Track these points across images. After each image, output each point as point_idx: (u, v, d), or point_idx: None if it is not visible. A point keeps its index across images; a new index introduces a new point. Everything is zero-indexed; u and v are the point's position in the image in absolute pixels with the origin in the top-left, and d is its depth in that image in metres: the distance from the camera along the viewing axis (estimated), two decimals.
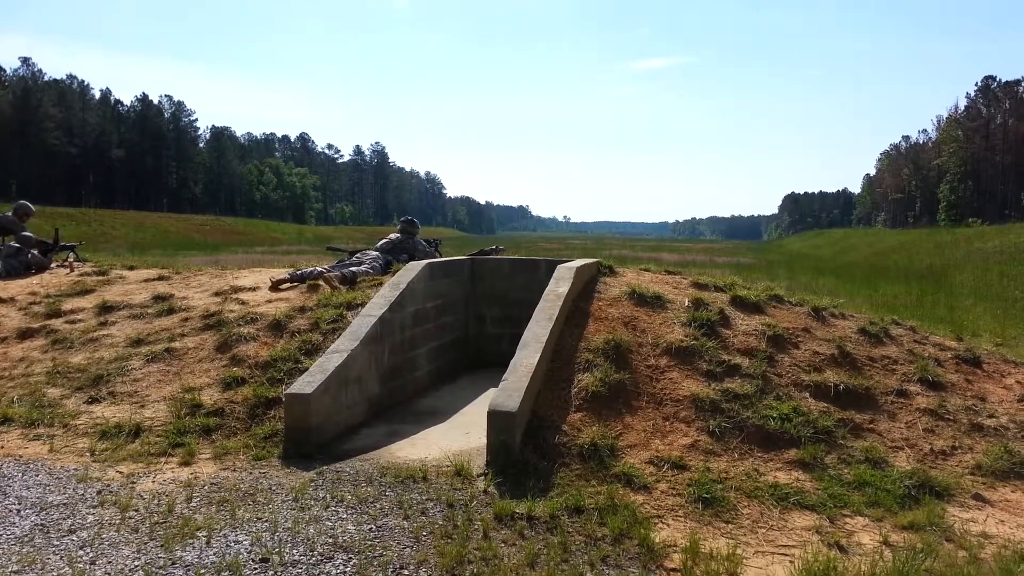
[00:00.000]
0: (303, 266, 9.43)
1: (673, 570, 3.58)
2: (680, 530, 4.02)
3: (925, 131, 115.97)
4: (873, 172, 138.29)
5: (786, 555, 3.79)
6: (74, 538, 3.80)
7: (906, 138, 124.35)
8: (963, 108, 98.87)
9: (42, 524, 3.96)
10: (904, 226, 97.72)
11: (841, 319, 7.29)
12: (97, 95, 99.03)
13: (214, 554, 3.61)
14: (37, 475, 4.70)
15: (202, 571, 3.45)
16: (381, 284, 7.51)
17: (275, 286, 8.13)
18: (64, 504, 4.23)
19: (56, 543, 3.74)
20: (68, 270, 10.22)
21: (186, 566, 3.49)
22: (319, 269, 8.46)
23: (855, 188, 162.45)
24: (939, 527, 4.12)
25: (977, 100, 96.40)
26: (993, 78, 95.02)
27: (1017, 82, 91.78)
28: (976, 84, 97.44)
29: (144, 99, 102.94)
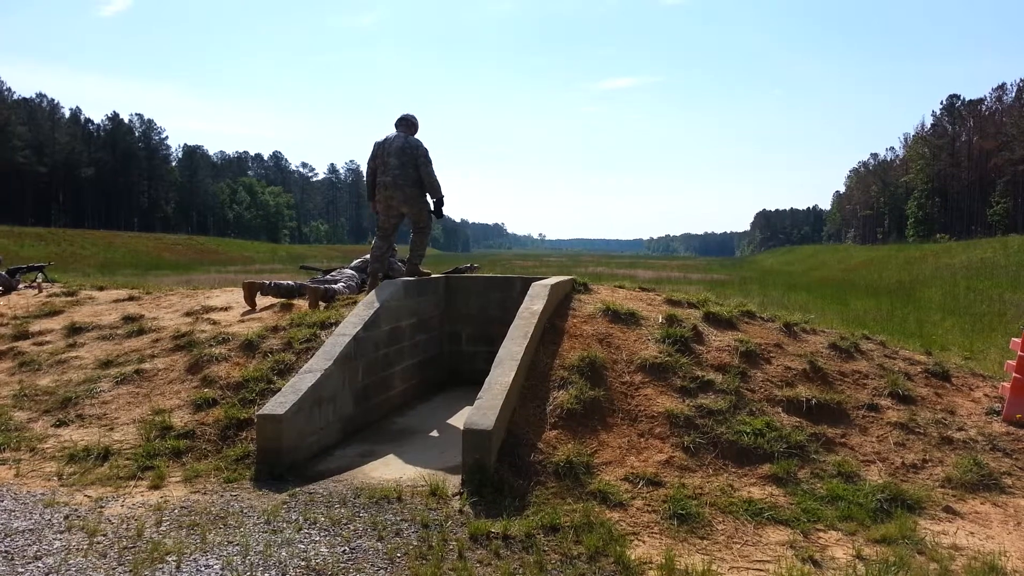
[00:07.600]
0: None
1: None
2: (656, 547, 4.02)
3: (893, 148, 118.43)
4: (843, 189, 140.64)
5: (761, 570, 3.81)
6: (40, 564, 3.71)
7: (874, 155, 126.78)
8: (929, 126, 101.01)
9: (6, 551, 3.87)
10: (873, 242, 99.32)
11: (812, 334, 7.37)
12: (67, 114, 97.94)
13: None
14: (2, 500, 4.59)
15: None
16: (355, 303, 7.47)
17: (250, 293, 8.05)
18: (30, 530, 4.14)
19: (21, 570, 3.65)
20: (36, 291, 10.06)
21: None
22: (298, 284, 8.44)
23: (825, 205, 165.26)
24: (911, 540, 4.16)
25: (942, 118, 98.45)
26: (958, 97, 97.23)
27: (980, 100, 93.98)
28: (941, 103, 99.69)
29: (115, 118, 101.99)
